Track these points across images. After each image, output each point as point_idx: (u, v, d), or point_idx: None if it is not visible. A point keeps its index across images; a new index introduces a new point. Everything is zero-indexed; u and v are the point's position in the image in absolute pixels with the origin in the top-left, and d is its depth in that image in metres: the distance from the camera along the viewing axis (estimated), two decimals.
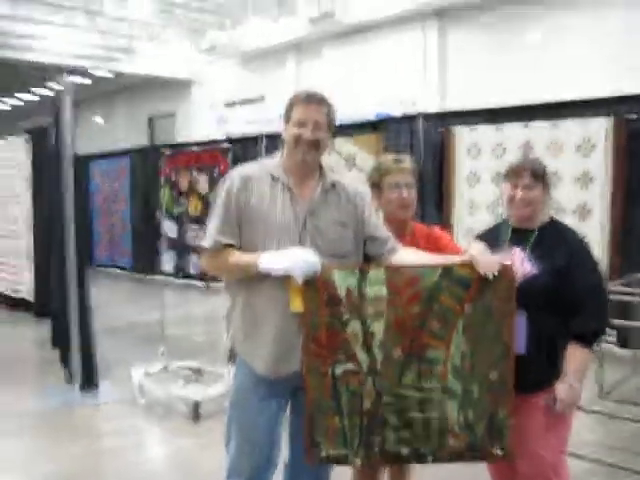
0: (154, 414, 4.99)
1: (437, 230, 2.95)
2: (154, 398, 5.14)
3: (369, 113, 11.50)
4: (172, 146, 12.19)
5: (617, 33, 9.71)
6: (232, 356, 2.63)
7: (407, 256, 2.55)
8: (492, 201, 6.93)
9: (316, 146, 2.49)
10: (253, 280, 2.44)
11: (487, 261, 2.32)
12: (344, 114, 11.94)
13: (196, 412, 4.78)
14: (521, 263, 2.61)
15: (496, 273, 2.30)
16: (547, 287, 2.55)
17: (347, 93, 14.49)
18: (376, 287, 2.34)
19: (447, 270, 2.34)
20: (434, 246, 2.78)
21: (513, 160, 2.80)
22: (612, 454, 4.10)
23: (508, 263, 2.39)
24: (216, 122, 13.60)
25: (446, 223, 7.22)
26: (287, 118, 2.54)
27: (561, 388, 2.53)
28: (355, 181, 2.72)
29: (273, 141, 9.26)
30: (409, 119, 7.83)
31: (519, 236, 2.71)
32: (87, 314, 5.48)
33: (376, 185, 2.86)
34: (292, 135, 2.49)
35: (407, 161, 2.86)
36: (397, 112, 9.73)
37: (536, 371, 2.55)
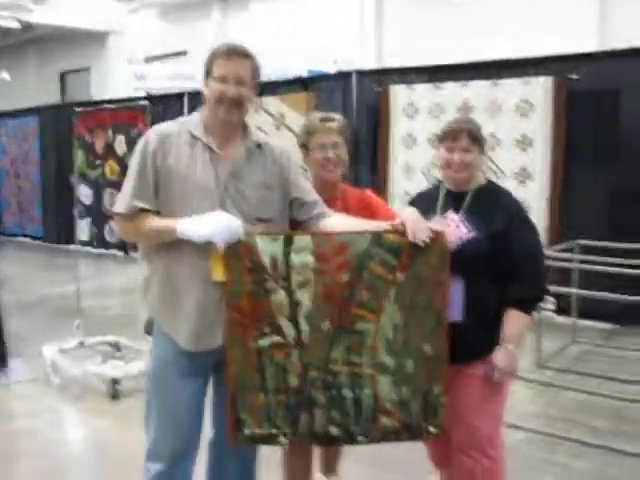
0: (70, 393, 4.89)
1: (369, 194, 2.95)
2: (69, 376, 5.03)
3: (300, 70, 11.43)
4: (86, 104, 11.90)
5: None
6: (149, 327, 2.59)
7: (337, 222, 2.53)
8: (428, 164, 6.96)
9: (239, 104, 2.43)
10: (172, 247, 2.40)
11: (418, 228, 2.32)
12: (273, 71, 11.92)
13: (115, 390, 4.71)
14: (456, 227, 2.64)
15: (427, 240, 2.31)
16: (483, 252, 2.59)
17: (277, 48, 14.27)
18: (302, 254, 2.31)
19: (377, 237, 2.33)
20: (366, 210, 2.79)
21: (449, 121, 2.80)
22: (550, 424, 4.23)
23: (440, 229, 2.39)
24: (134, 78, 13.23)
25: (381, 187, 7.28)
26: (207, 73, 2.47)
27: (499, 356, 2.57)
28: (283, 142, 2.69)
29: (197, 99, 9.00)
30: (343, 77, 7.82)
31: (454, 199, 2.73)
32: None
33: (304, 146, 2.84)
34: (213, 92, 2.42)
35: (335, 120, 2.84)
36: (330, 70, 9.68)
37: (473, 339, 2.58)
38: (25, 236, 12.09)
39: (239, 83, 2.41)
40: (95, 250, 10.67)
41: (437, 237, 2.34)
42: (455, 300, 2.54)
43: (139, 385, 4.70)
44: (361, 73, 7.68)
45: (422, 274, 2.35)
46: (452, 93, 6.78)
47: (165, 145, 2.44)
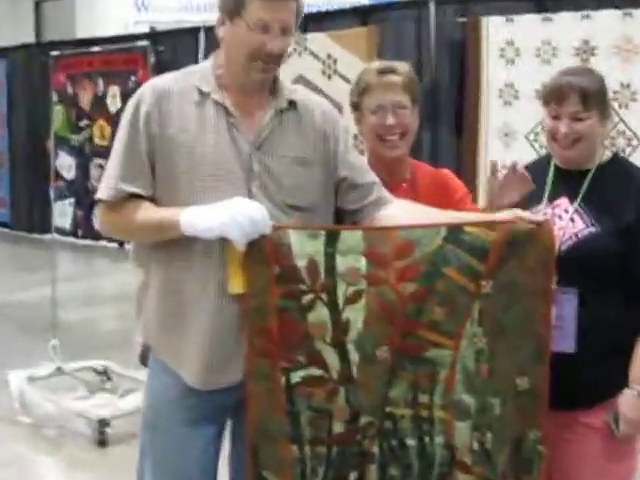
0: (44, 438, 4.97)
1: (447, 174, 2.95)
2: (43, 414, 5.11)
3: None
4: (67, 44, 11.65)
5: None
6: (145, 355, 2.61)
7: (401, 212, 2.52)
8: (536, 126, 6.82)
9: (281, 59, 2.46)
10: (175, 247, 2.41)
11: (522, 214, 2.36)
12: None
13: (102, 435, 4.78)
14: (570, 220, 2.62)
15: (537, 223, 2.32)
16: (607, 254, 2.56)
17: None
18: (352, 257, 2.31)
19: (455, 231, 2.33)
20: (444, 199, 2.78)
21: (555, 75, 2.75)
22: None
23: (544, 218, 2.38)
24: (134, 8, 13.32)
25: (468, 158, 7.18)
26: (235, 10, 2.40)
27: (627, 401, 2.54)
28: (331, 98, 2.70)
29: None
30: (416, 5, 7.60)
31: (567, 180, 2.72)
32: None
33: (356, 106, 2.84)
34: (247, 42, 2.39)
35: (399, 71, 2.82)
36: None
37: (589, 378, 2.57)
38: None
39: (285, 32, 2.40)
40: (79, 241, 10.82)
41: (540, 230, 2.32)
42: (566, 322, 2.52)
43: (135, 427, 4.77)
44: (441, 0, 7.55)
45: (518, 283, 2.34)
46: (569, 28, 6.60)
47: (164, 106, 2.44)
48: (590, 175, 2.68)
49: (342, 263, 2.29)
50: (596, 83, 2.65)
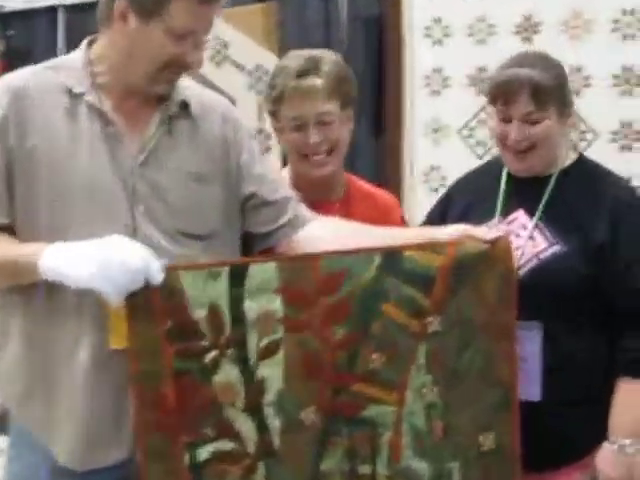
0: None
1: (388, 198, 2.91)
2: None
3: None
4: None
5: None
6: (4, 423, 2.49)
7: (327, 232, 2.46)
8: (469, 120, 6.85)
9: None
10: (39, 292, 2.28)
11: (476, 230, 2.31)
12: None
13: None
14: (529, 239, 2.59)
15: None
16: (577, 276, 2.54)
17: None
18: (264, 298, 2.22)
19: (392, 257, 2.26)
20: (381, 219, 2.74)
21: (500, 66, 2.74)
22: None
23: (502, 234, 2.33)
24: None
25: (390, 157, 7.15)
26: (154, 10, 2.26)
27: (606, 458, 2.51)
28: (225, 95, 2.64)
29: (81, 17, 8.75)
30: None
31: (524, 189, 2.69)
32: None
33: (274, 115, 2.76)
34: (166, 52, 2.30)
35: (322, 70, 2.73)
36: None
37: (562, 430, 2.54)
38: None
39: (205, 41, 2.37)
40: None
41: (496, 249, 2.27)
42: (529, 363, 2.48)
43: None
44: None
45: (473, 317, 2.29)
46: (507, 2, 6.63)
47: (23, 110, 2.31)
48: (551, 183, 2.66)
49: (252, 307, 2.19)
50: (552, 74, 2.61)
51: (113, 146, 2.32)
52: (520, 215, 2.64)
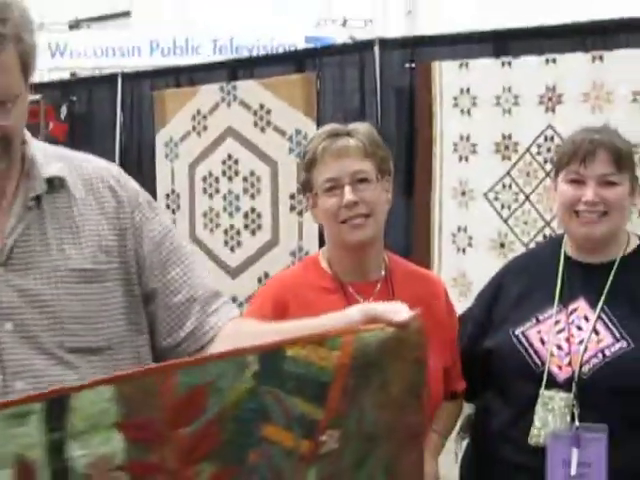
0: None
1: (433, 276, 2.43)
2: None
3: (294, 40, 11.00)
4: None
5: None
6: None
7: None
8: (496, 184, 6.38)
9: (8, 142, 1.71)
10: None
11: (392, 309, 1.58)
12: (253, 42, 11.49)
13: None
14: (591, 332, 2.14)
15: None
16: None
17: (261, 7, 13.97)
18: (96, 438, 1.41)
19: (271, 359, 1.50)
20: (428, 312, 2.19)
21: (572, 135, 2.30)
22: None
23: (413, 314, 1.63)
24: (49, 53, 12.91)
25: (420, 219, 6.81)
26: None
27: None
28: (116, 167, 1.96)
29: (137, 83, 8.72)
30: (357, 49, 7.35)
31: (584, 275, 2.22)
32: None
33: (306, 186, 2.24)
34: None
35: (356, 132, 2.26)
36: (340, 37, 9.19)
37: None
38: None
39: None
40: None
41: (406, 335, 1.56)
42: (593, 469, 2.01)
43: None
44: (387, 43, 7.16)
45: (375, 421, 1.59)
46: (532, 73, 6.21)
47: None
48: (614, 269, 2.18)
49: (81, 454, 1.38)
50: (628, 144, 2.26)
51: None
52: (581, 305, 2.18)
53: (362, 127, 2.35)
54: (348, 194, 2.19)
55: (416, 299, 2.15)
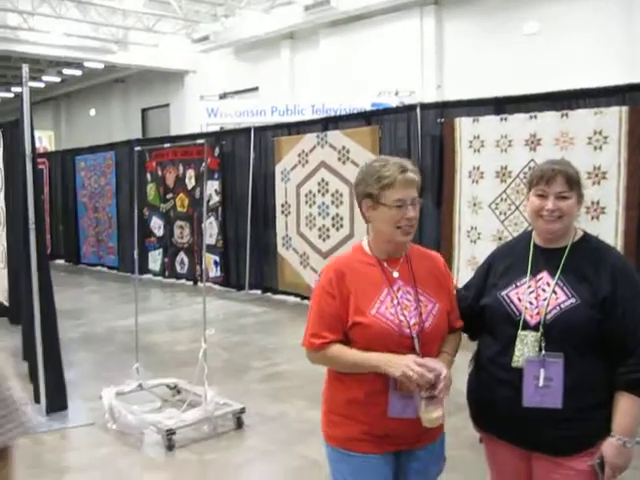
0: (126, 442, 4.34)
1: (435, 253, 2.38)
2: (125, 423, 4.48)
3: (366, 103, 10.98)
4: (145, 141, 11.76)
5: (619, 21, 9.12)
6: None
7: None
8: (496, 198, 6.32)
9: None
10: None
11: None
12: (339, 105, 11.49)
13: (170, 441, 4.15)
14: (553, 293, 2.08)
15: None
16: (587, 323, 2.01)
17: (343, 83, 13.95)
18: None
19: None
20: (433, 264, 2.24)
21: (541, 164, 2.22)
22: None
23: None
24: (207, 114, 13.03)
25: (446, 219, 6.73)
26: None
27: (609, 448, 1.99)
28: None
29: (263, 133, 8.74)
30: (406, 109, 7.29)
31: (546, 256, 2.16)
32: (50, 325, 4.72)
33: (371, 196, 2.23)
34: None
35: (413, 170, 2.23)
36: (394, 102, 9.14)
37: (576, 429, 2.01)
38: (102, 266, 11.82)
39: None
40: (166, 280, 10.36)
41: None
42: (554, 381, 2.00)
43: (195, 435, 4.21)
44: (425, 106, 7.10)
45: None
46: (520, 125, 6.08)
47: None
48: (566, 252, 2.14)
49: None
50: (576, 171, 2.16)
51: None
52: (545, 275, 2.13)
53: (412, 165, 2.25)
54: (410, 212, 2.15)
55: (426, 268, 2.21)
